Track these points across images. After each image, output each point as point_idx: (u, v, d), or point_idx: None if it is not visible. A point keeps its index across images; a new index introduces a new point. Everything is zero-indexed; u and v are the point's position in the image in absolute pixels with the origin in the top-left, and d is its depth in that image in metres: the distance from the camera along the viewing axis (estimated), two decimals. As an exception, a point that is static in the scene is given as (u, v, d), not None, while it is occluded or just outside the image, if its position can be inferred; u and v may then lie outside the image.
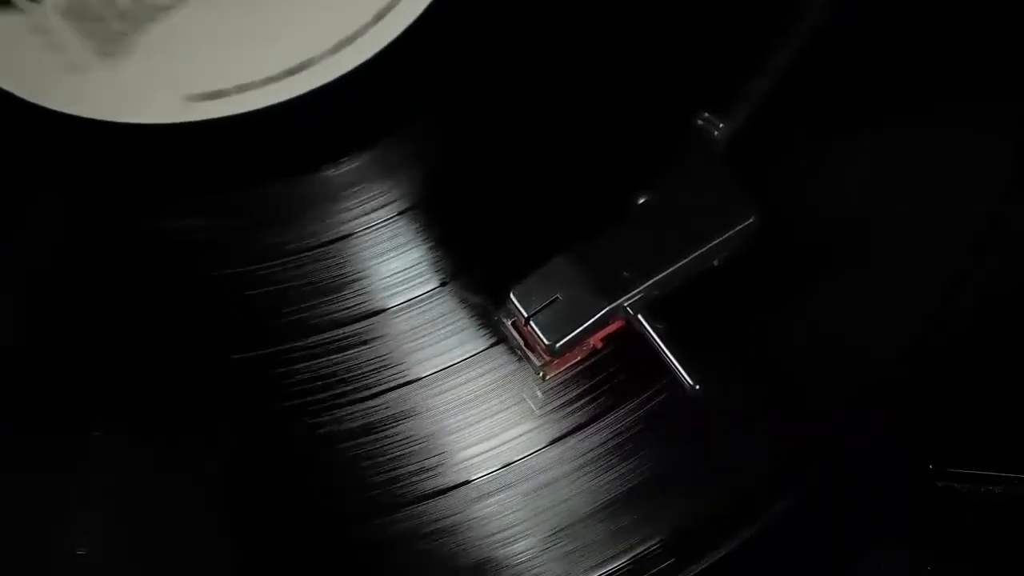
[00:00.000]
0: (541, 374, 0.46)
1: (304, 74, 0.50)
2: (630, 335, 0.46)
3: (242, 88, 0.50)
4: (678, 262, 0.45)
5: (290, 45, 0.51)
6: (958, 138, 0.51)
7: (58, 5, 0.52)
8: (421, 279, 0.48)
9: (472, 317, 0.48)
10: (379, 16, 0.51)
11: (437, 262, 0.48)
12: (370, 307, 0.48)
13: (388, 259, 0.49)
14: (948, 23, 0.51)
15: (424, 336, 0.48)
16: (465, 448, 0.46)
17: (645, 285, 0.45)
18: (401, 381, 0.47)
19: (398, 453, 0.46)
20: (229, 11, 0.52)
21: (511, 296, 0.45)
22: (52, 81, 0.51)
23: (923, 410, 0.48)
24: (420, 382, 0.47)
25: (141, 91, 0.51)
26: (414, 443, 0.46)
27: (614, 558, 0.45)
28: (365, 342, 0.47)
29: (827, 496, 0.47)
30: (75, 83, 0.51)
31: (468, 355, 0.47)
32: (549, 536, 0.46)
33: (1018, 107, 0.51)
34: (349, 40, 0.51)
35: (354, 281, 0.48)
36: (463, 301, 0.48)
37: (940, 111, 0.51)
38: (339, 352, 0.47)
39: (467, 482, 0.46)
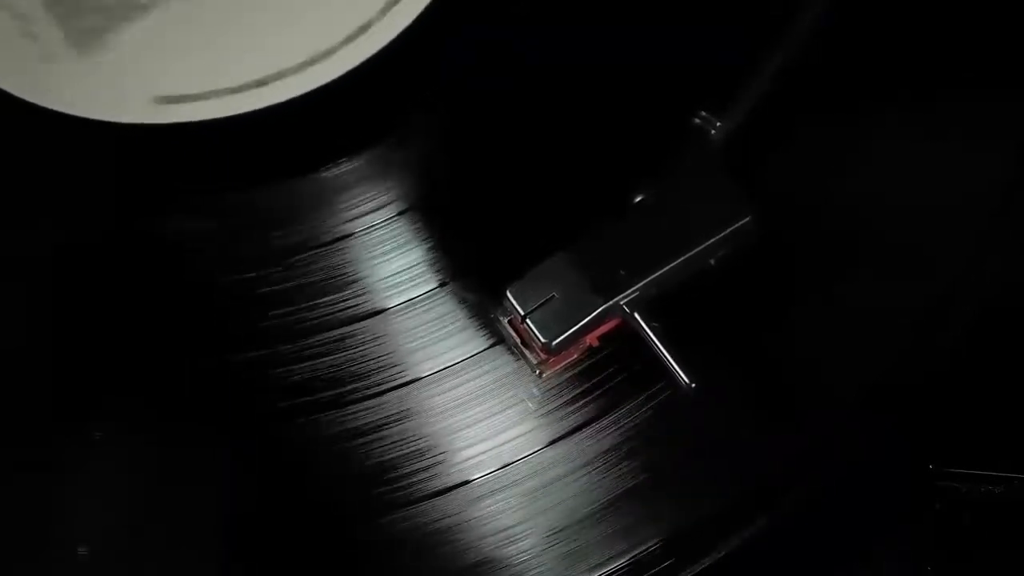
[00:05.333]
0: (538, 372, 0.46)
1: (304, 73, 0.51)
2: (627, 334, 0.46)
3: (238, 89, 0.50)
4: (674, 261, 0.45)
5: (288, 46, 0.51)
6: (958, 138, 0.51)
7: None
8: (421, 279, 0.48)
9: (472, 317, 0.48)
10: (383, 12, 0.52)
11: (437, 262, 0.48)
12: (370, 307, 0.48)
13: (388, 259, 0.49)
14: (947, 22, 0.51)
15: (424, 336, 0.48)
16: (465, 448, 0.46)
17: (641, 284, 0.45)
18: (401, 381, 0.47)
19: (398, 453, 0.46)
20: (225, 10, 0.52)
21: (507, 294, 0.45)
22: (26, 69, 0.51)
23: (923, 410, 0.48)
24: (420, 382, 0.47)
25: (112, 89, 0.51)
26: (414, 443, 0.46)
27: (614, 558, 0.46)
28: (365, 342, 0.47)
29: (827, 496, 0.47)
30: (47, 73, 0.51)
31: (468, 355, 0.47)
32: (549, 536, 0.46)
33: (1018, 107, 0.51)
34: (349, 39, 0.51)
35: (354, 281, 0.48)
36: (461, 300, 0.48)
37: (940, 110, 0.51)
38: (339, 352, 0.47)
39: (467, 482, 0.46)
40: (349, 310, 0.48)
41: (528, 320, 0.45)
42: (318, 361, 0.47)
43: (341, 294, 0.48)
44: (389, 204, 0.49)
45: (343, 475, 0.46)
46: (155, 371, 0.48)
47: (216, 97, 0.50)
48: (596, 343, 0.46)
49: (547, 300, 0.45)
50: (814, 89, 0.50)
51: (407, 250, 0.49)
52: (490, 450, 0.46)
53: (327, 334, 0.48)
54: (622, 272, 0.45)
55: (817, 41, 0.49)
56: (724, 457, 0.47)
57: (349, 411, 0.47)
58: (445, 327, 0.48)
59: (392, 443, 0.46)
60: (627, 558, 0.45)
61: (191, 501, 0.46)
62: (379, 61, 0.51)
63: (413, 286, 0.48)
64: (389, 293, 0.48)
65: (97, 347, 0.48)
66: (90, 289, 0.49)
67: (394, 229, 0.49)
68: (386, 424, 0.47)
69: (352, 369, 0.47)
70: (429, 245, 0.49)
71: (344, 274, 0.48)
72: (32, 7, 0.51)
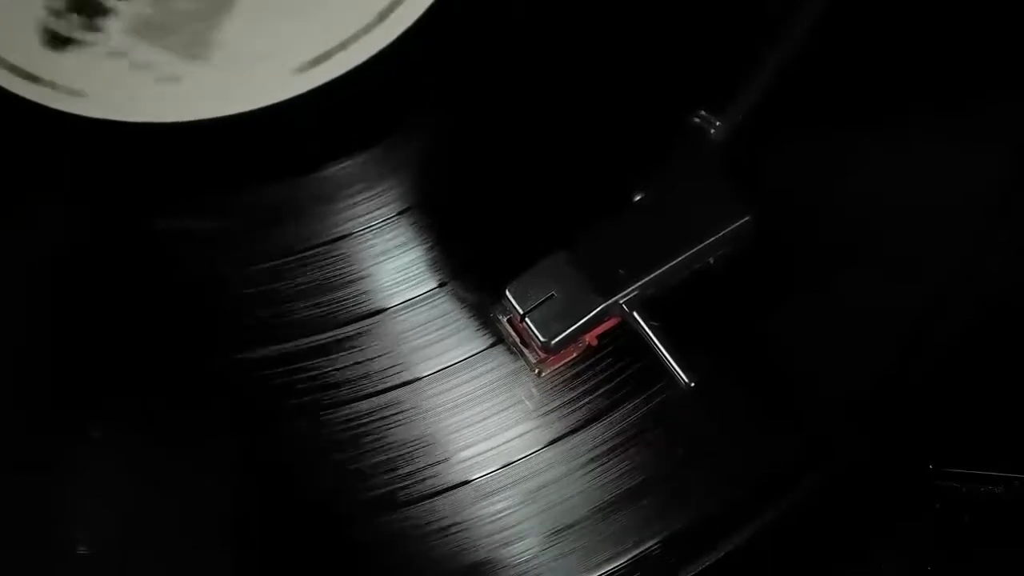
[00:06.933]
0: (537, 371, 0.46)
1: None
2: (626, 333, 0.46)
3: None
4: (673, 260, 0.45)
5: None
6: (957, 137, 0.51)
7: (123, 27, 0.52)
8: (420, 278, 0.48)
9: (472, 317, 0.48)
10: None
11: (436, 261, 0.48)
12: (370, 307, 0.48)
13: (388, 259, 0.49)
14: (947, 22, 0.51)
15: (423, 336, 0.48)
16: (465, 448, 0.46)
17: (640, 283, 0.45)
18: (400, 381, 0.47)
19: (397, 453, 0.46)
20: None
21: (506, 292, 0.45)
22: (154, 97, 0.51)
23: (923, 410, 0.48)
24: (420, 382, 0.47)
25: (246, 76, 0.51)
26: (414, 443, 0.46)
27: (614, 558, 0.45)
28: (364, 341, 0.47)
29: (826, 496, 0.47)
30: (176, 92, 0.51)
31: (467, 355, 0.47)
32: (549, 536, 0.46)
33: (1017, 107, 0.51)
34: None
35: (353, 281, 0.48)
36: (460, 300, 0.48)
37: (939, 111, 0.51)
38: (339, 352, 0.47)
39: (467, 482, 0.46)
40: (348, 310, 0.48)
41: (527, 319, 0.45)
42: (318, 361, 0.47)
43: (340, 294, 0.48)
44: (389, 204, 0.49)
45: (343, 475, 0.46)
46: (155, 370, 0.48)
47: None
48: (595, 342, 0.46)
49: (546, 299, 0.45)
50: (813, 89, 0.50)
51: (406, 250, 0.49)
52: (489, 450, 0.46)
53: (327, 334, 0.48)
54: (621, 271, 0.45)
55: (816, 41, 0.49)
56: (724, 457, 0.47)
57: (348, 411, 0.47)
58: (444, 327, 0.48)
59: (391, 443, 0.46)
60: (627, 558, 0.45)
61: (191, 501, 0.46)
62: (379, 60, 0.51)
63: (412, 285, 0.48)
64: (388, 293, 0.48)
65: (97, 346, 0.48)
66: (90, 288, 0.49)
67: (393, 229, 0.49)
68: (386, 424, 0.47)
69: (351, 369, 0.47)
70: (428, 244, 0.49)
71: (343, 274, 0.48)
72: (126, 43, 0.52)
